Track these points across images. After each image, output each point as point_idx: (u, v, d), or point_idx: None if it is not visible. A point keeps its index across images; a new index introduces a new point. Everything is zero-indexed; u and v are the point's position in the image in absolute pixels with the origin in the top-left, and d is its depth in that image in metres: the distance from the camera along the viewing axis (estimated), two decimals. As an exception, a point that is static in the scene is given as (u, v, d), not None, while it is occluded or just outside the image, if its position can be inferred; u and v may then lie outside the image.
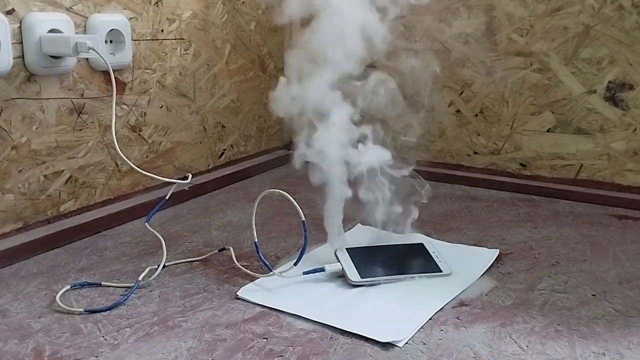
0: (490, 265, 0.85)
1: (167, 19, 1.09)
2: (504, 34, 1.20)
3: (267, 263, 0.81)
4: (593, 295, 0.78)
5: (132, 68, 1.03)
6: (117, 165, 1.03)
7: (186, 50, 1.14)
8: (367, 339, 0.67)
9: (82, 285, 0.79)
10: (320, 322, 0.70)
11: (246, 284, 0.80)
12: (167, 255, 0.85)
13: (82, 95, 0.95)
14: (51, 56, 0.88)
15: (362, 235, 0.93)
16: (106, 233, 0.98)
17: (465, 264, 0.85)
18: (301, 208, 0.79)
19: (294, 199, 0.79)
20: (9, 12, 0.84)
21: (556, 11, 1.15)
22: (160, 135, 1.11)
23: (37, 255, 0.88)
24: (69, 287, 0.78)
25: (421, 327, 0.69)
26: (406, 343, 0.66)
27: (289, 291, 0.78)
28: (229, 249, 0.90)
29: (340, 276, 0.81)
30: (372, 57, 0.83)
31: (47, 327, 0.69)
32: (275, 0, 0.84)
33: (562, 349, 0.65)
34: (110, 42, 0.98)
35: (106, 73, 0.98)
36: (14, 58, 0.84)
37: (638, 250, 0.92)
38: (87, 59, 0.95)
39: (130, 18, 1.01)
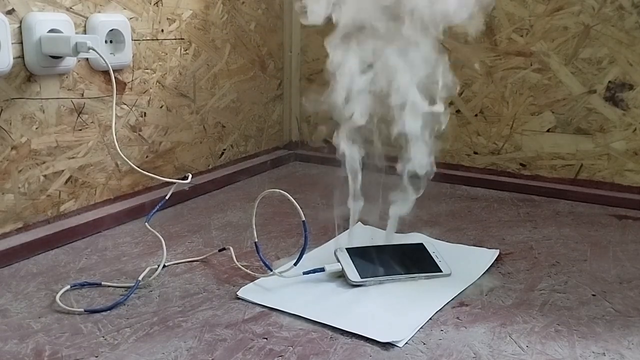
0: (491, 265, 0.85)
1: (167, 19, 1.09)
2: (504, 34, 1.20)
3: (267, 263, 0.81)
4: (593, 295, 0.78)
5: (132, 68, 1.03)
6: (117, 165, 1.03)
7: (186, 50, 1.14)
8: (367, 339, 0.67)
9: (82, 285, 0.79)
10: (320, 322, 0.70)
11: (246, 284, 0.80)
12: (167, 255, 0.85)
13: (82, 95, 0.95)
14: (51, 56, 0.88)
15: (362, 235, 0.93)
16: (106, 233, 0.98)
17: (465, 264, 0.85)
18: (301, 208, 0.79)
19: (294, 199, 0.79)
20: (9, 12, 0.84)
21: (556, 11, 1.15)
22: (160, 135, 1.11)
23: (37, 255, 0.88)
24: (69, 287, 0.78)
25: (421, 327, 0.69)
26: (406, 343, 0.66)
27: (289, 291, 0.77)
28: (229, 249, 0.90)
29: (340, 276, 0.81)
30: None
31: (47, 327, 0.69)
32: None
33: (562, 349, 0.65)
34: (110, 42, 0.98)
35: (106, 73, 0.98)
36: (14, 58, 0.84)
37: (638, 250, 0.92)
38: (87, 59, 0.95)
39: (130, 18, 1.01)
